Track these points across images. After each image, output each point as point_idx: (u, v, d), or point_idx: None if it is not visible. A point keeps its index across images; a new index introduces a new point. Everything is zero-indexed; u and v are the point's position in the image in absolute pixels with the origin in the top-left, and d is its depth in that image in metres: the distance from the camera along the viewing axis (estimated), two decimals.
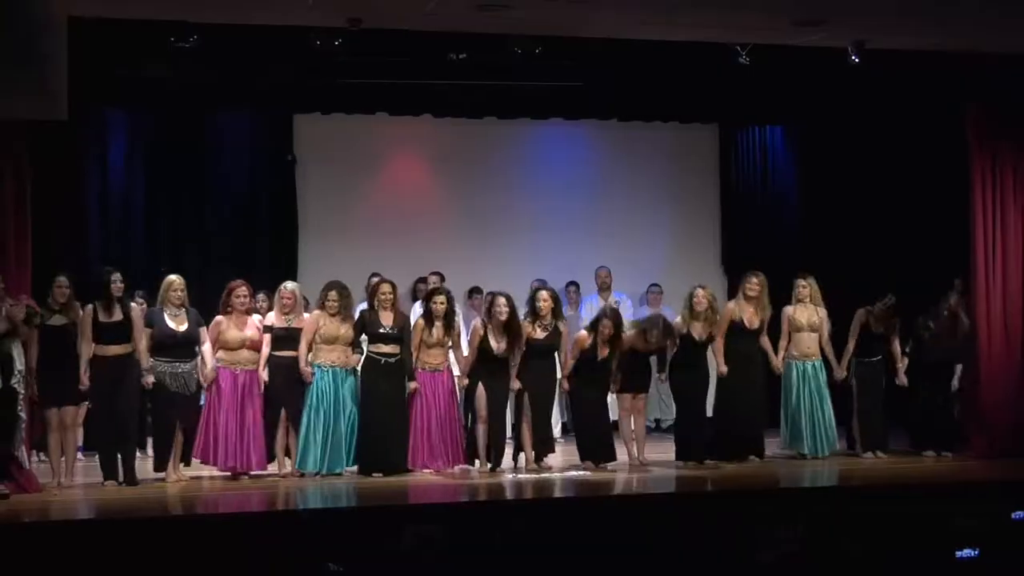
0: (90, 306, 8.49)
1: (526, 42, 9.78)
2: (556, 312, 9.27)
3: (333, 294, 9.06)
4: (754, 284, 9.67)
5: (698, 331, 9.42)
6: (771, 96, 12.09)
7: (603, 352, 9.20)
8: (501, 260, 12.13)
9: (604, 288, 11.51)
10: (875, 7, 8.49)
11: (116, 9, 8.41)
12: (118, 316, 8.54)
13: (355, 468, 9.01)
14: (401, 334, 9.06)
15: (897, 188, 12.12)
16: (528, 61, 10.09)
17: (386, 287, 9.15)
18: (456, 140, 12.42)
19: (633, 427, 9.51)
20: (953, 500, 7.57)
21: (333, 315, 9.02)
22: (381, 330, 9.02)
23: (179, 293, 8.74)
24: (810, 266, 10.41)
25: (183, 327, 8.71)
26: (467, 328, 11.16)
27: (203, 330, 8.81)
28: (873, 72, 10.11)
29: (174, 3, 8.34)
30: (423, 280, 11.36)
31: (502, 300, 9.13)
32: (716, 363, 9.58)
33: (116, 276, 8.60)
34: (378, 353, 9.03)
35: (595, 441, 9.37)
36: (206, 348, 8.80)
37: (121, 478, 8.50)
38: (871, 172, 12.34)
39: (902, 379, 9.84)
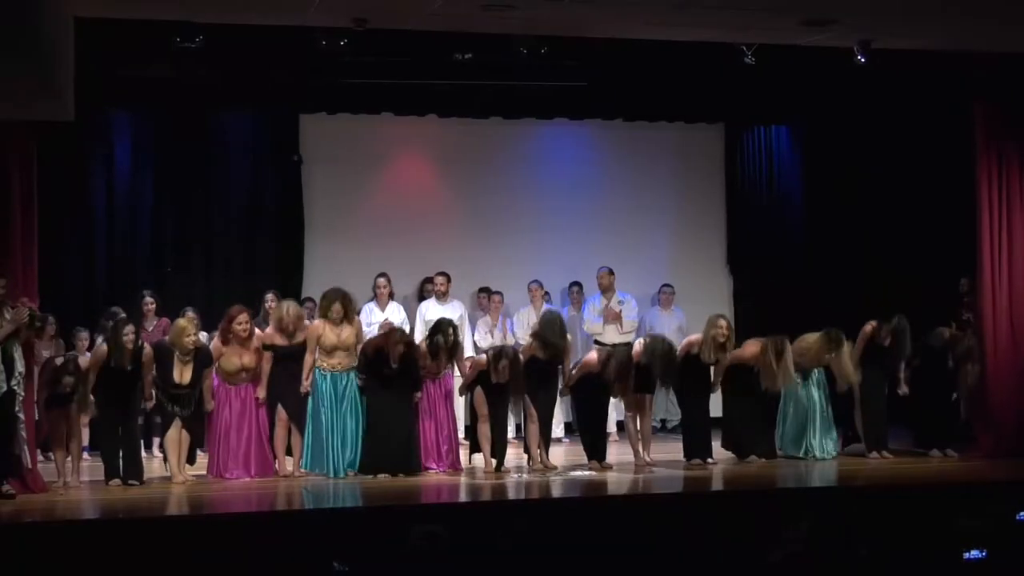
0: (103, 351, 8.50)
1: (531, 42, 9.78)
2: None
3: (337, 306, 9.00)
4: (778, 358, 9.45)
5: (709, 357, 9.43)
6: (777, 96, 12.07)
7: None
8: (506, 260, 12.12)
9: (607, 289, 11.44)
10: (882, 7, 8.47)
11: (122, 9, 8.41)
12: (128, 365, 8.52)
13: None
14: (404, 366, 8.98)
15: (903, 187, 12.09)
16: (533, 61, 10.09)
17: (401, 348, 8.92)
18: (461, 140, 12.42)
19: (639, 427, 9.51)
20: (959, 500, 7.55)
21: (337, 321, 9.00)
22: (385, 369, 8.93)
23: (192, 339, 8.66)
24: (815, 266, 10.38)
25: (187, 378, 8.66)
26: (473, 328, 11.22)
27: (206, 371, 8.78)
28: (879, 72, 10.09)
29: (179, 3, 8.34)
30: (430, 280, 11.35)
31: (505, 364, 9.00)
32: (714, 380, 9.59)
33: (129, 329, 8.52)
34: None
35: (598, 440, 9.39)
36: (206, 385, 8.80)
37: (125, 477, 8.52)
38: (877, 172, 12.32)
39: (904, 389, 9.80)
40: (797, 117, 12.86)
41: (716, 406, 9.83)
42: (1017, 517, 7.00)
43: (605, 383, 9.26)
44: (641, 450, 9.45)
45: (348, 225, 12.10)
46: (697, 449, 9.46)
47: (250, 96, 11.43)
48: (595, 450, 9.38)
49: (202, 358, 8.74)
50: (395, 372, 8.92)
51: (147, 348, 8.66)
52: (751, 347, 9.59)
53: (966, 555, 5.91)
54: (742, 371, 9.52)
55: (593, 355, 9.45)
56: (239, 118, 11.95)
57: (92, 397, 8.48)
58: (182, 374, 8.66)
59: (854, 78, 10.58)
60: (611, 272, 11.40)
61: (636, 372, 9.25)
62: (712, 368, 9.52)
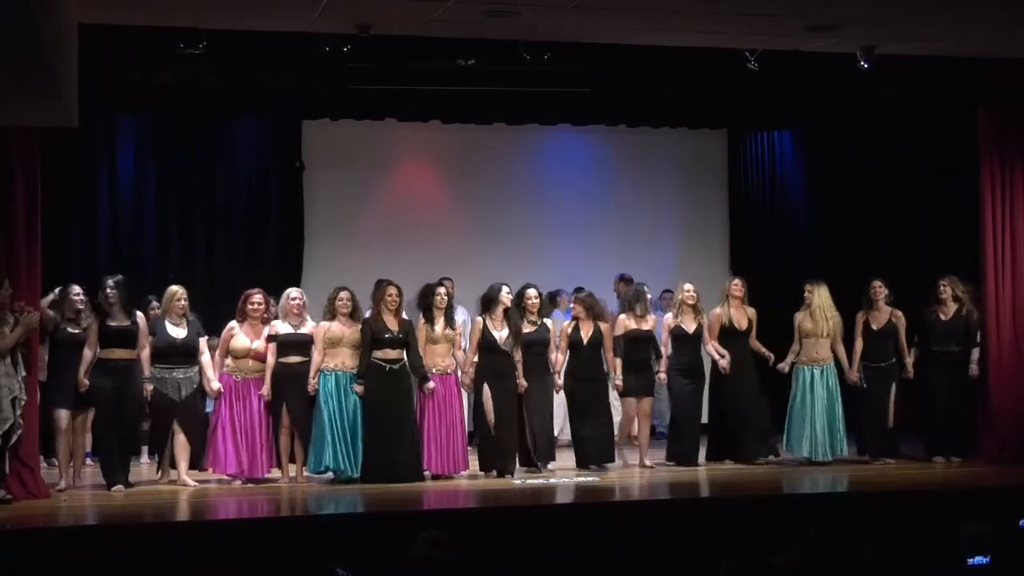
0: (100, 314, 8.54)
1: (534, 48, 9.79)
2: (543, 311, 9.43)
3: (345, 294, 9.03)
4: (738, 285, 9.79)
5: (688, 324, 9.53)
6: (780, 102, 12.07)
7: (586, 330, 9.36)
8: (509, 266, 12.05)
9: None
10: (886, 12, 8.47)
11: (126, 16, 8.43)
12: (125, 322, 8.58)
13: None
14: (407, 338, 9.01)
15: (906, 192, 12.09)
16: (536, 67, 10.11)
17: (392, 290, 9.08)
18: (464, 146, 12.44)
19: (637, 432, 9.52)
20: (962, 506, 7.54)
21: (344, 314, 8.99)
22: (387, 335, 8.96)
23: (181, 303, 8.79)
24: (820, 271, 10.45)
25: (182, 335, 8.75)
26: None
27: (203, 340, 8.85)
28: (882, 76, 10.09)
29: (183, 10, 8.36)
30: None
31: (506, 288, 9.28)
32: (716, 359, 9.64)
33: (108, 282, 8.63)
34: (383, 360, 8.95)
35: (592, 443, 9.40)
36: (205, 359, 8.81)
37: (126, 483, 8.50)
38: (880, 177, 12.32)
39: (909, 371, 9.77)
40: (800, 122, 12.87)
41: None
42: (1020, 523, 6.98)
43: (599, 371, 9.38)
44: (638, 455, 9.46)
45: (350, 231, 12.12)
46: (686, 453, 9.47)
47: (253, 102, 11.44)
48: (589, 454, 9.36)
49: (194, 326, 8.84)
50: (395, 336, 8.89)
51: (141, 315, 8.80)
52: (715, 311, 9.74)
53: (970, 561, 5.90)
54: (731, 373, 9.56)
55: (564, 323, 9.63)
56: (242, 124, 11.98)
57: (87, 384, 8.45)
58: (176, 334, 8.75)
59: (857, 83, 10.57)
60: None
61: (636, 364, 9.43)
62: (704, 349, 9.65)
